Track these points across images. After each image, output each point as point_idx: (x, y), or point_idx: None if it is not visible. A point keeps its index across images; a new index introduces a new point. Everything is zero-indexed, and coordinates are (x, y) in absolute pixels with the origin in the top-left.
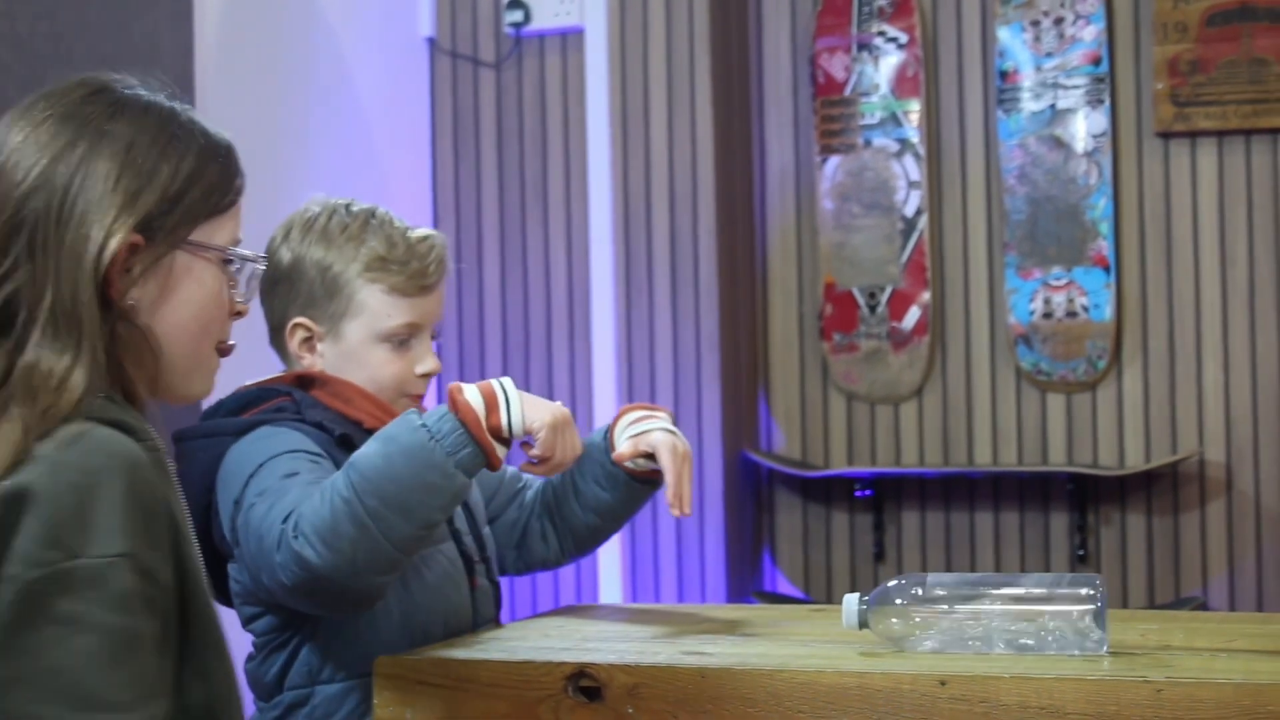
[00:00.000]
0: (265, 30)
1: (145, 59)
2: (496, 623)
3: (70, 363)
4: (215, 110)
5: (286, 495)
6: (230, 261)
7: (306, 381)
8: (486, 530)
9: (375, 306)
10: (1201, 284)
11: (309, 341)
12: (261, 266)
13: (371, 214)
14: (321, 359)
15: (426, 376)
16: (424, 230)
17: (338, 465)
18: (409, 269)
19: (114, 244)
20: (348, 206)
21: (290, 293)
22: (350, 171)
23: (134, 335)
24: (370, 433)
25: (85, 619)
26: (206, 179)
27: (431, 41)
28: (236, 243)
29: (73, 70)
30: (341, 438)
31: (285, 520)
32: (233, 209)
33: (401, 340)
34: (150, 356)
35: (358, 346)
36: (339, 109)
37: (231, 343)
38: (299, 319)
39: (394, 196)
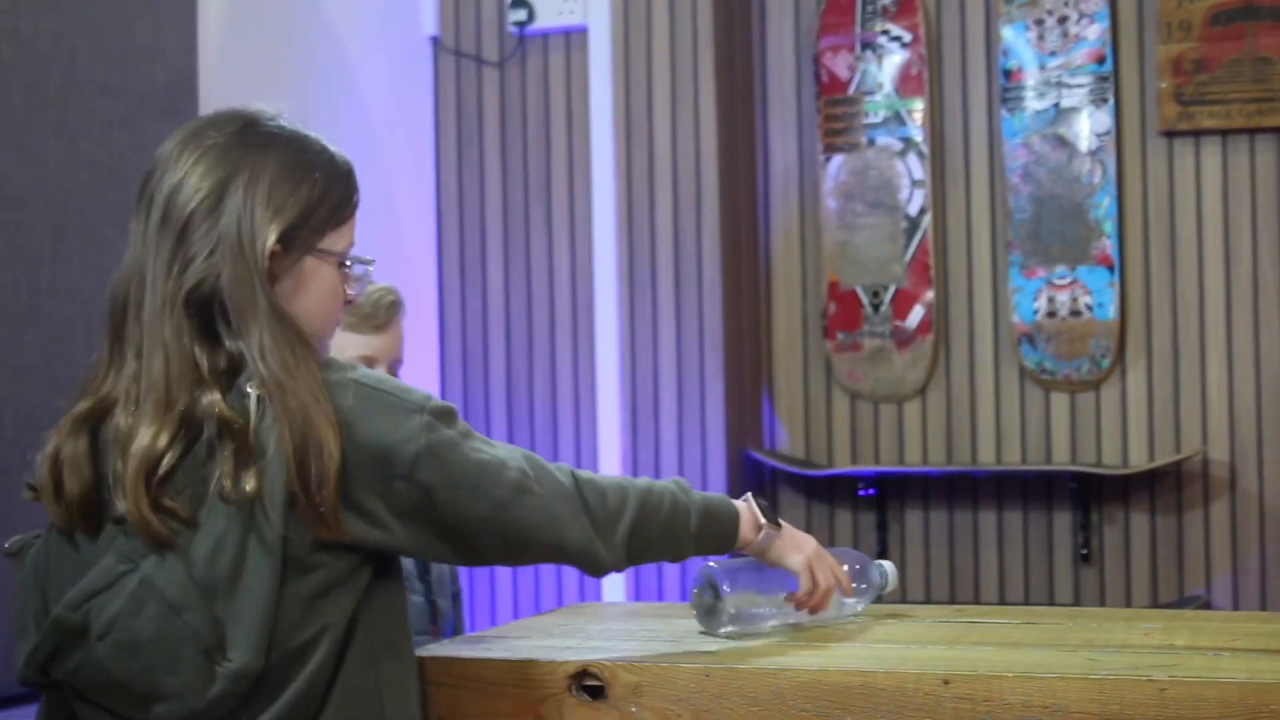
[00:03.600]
0: (268, 29)
1: (148, 57)
2: None
3: (272, 342)
4: (217, 109)
5: None
6: (345, 263)
7: None
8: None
9: (334, 342)
10: (1205, 283)
11: None
12: (372, 267)
13: None
14: None
15: None
16: (380, 284)
17: None
18: (360, 312)
19: (265, 253)
20: None
21: None
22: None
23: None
24: None
25: (456, 436)
26: (331, 198)
27: (435, 40)
28: (351, 247)
29: (76, 68)
30: None
31: None
32: (349, 222)
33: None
34: (297, 334)
35: None
36: (342, 108)
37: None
38: None
39: (397, 195)
